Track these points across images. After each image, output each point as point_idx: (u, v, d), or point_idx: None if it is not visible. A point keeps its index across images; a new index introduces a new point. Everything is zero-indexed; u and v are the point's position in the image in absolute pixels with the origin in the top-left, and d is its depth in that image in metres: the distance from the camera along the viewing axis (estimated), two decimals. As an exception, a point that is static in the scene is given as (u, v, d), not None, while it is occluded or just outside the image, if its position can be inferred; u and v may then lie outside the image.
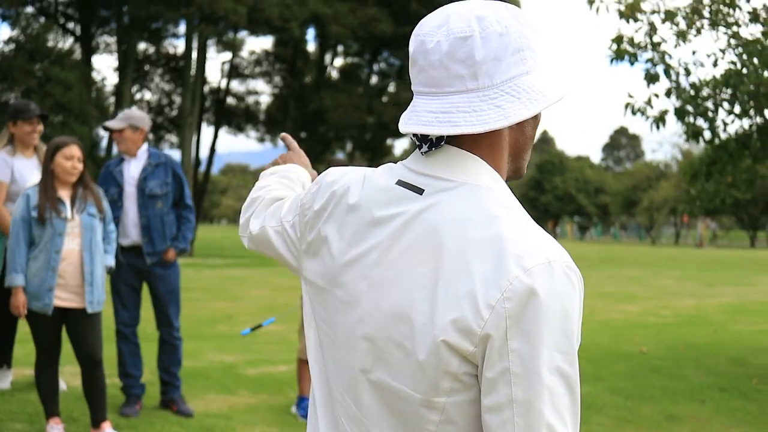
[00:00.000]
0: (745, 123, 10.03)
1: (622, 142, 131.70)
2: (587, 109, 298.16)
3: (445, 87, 1.60)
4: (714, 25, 9.49)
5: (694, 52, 9.94)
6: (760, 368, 10.10)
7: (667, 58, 9.63)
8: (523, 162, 1.76)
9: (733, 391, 8.76)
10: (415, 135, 1.69)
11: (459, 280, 1.50)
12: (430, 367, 1.51)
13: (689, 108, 9.59)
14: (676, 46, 9.66)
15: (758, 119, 9.75)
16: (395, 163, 1.77)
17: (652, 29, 9.60)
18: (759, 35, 9.24)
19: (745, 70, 9.19)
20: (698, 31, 9.60)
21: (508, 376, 1.45)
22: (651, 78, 9.64)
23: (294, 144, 2.46)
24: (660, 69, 9.63)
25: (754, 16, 9.34)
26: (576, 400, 1.49)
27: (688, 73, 9.71)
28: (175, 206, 7.31)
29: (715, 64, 9.69)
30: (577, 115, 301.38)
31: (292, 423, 7.08)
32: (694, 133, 9.80)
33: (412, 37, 1.69)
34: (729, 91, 9.37)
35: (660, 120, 9.66)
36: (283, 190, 2.17)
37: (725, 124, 9.78)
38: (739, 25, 9.43)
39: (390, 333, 1.58)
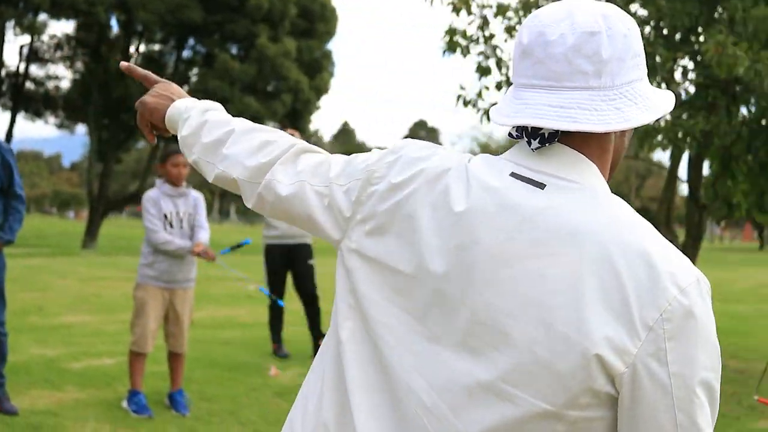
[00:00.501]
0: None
1: (421, 135, 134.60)
2: (389, 100, 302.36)
3: (566, 82, 1.52)
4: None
5: None
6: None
7: (498, 51, 9.79)
8: (614, 172, 1.69)
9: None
10: (519, 129, 1.60)
11: (610, 292, 1.40)
12: (574, 381, 1.41)
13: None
14: (506, 41, 9.84)
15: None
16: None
17: (485, 23, 9.73)
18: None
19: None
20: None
21: (671, 401, 1.40)
22: (483, 71, 9.77)
23: (142, 71, 2.17)
24: (492, 62, 9.79)
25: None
26: (716, 409, 1.47)
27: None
28: (2, 195, 6.77)
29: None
30: (378, 107, 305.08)
31: (125, 418, 6.82)
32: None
33: (524, 28, 1.60)
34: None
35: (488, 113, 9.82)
36: (299, 141, 1.90)
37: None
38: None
39: (517, 336, 1.44)
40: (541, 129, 1.55)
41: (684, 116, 8.88)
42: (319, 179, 1.79)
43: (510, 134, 1.62)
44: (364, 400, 1.58)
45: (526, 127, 1.57)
